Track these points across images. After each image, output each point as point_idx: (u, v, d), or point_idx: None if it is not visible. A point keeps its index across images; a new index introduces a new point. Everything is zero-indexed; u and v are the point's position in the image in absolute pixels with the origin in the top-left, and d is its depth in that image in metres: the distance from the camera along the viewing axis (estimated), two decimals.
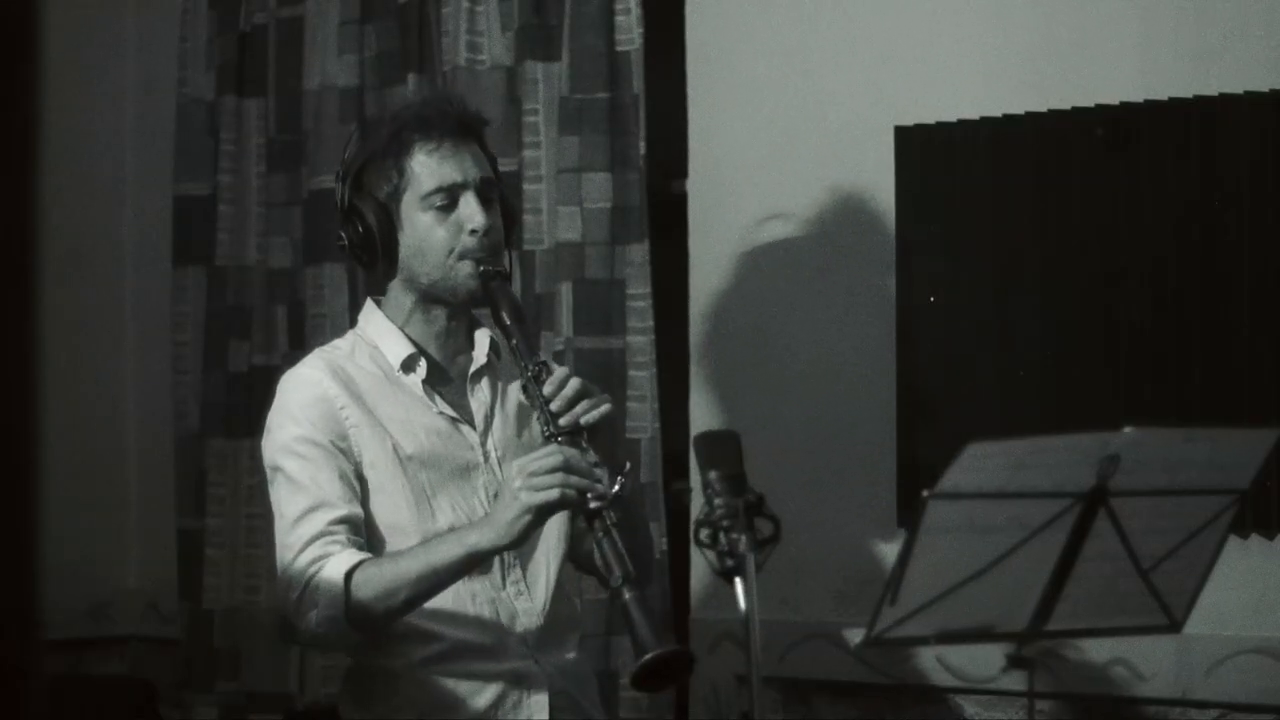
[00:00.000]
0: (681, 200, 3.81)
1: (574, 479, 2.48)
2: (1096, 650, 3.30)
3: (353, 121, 4.08)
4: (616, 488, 2.50)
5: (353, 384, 2.71)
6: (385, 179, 2.70)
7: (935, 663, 3.45)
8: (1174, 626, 2.41)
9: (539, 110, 3.78)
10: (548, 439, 2.55)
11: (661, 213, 3.81)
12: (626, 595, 2.42)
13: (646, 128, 3.73)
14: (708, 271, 3.75)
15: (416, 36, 3.99)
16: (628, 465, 2.63)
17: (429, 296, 2.73)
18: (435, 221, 2.68)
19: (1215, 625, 3.14)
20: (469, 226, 2.67)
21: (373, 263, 2.73)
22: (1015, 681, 3.12)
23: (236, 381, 4.27)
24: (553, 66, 3.79)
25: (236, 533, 4.26)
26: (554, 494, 2.48)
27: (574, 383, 2.57)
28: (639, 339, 3.73)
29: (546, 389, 2.56)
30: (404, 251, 2.71)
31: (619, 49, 3.75)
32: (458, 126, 2.71)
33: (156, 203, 4.47)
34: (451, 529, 2.66)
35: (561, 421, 2.55)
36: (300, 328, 4.17)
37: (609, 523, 2.47)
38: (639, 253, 3.74)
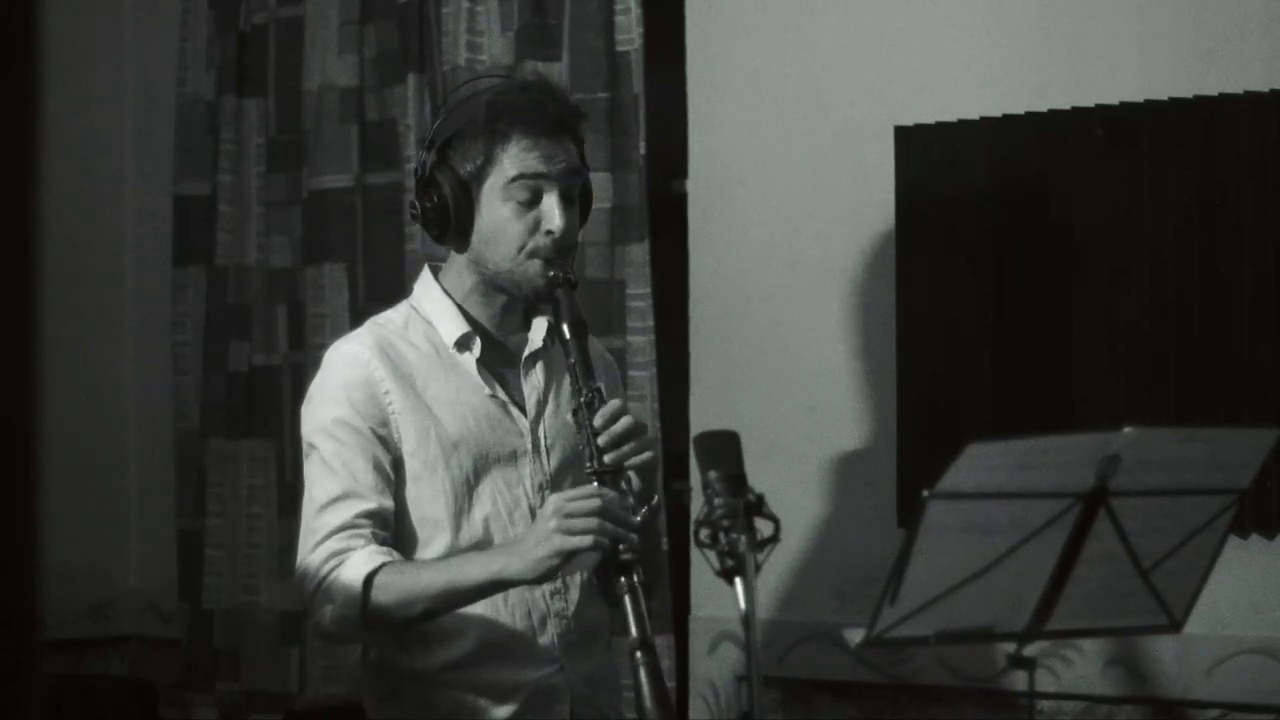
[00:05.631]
0: (681, 200, 3.81)
1: (609, 526, 2.46)
2: (1096, 650, 3.30)
3: (353, 121, 4.09)
4: (639, 518, 2.50)
5: (402, 363, 2.66)
6: (470, 158, 2.63)
7: (935, 663, 3.45)
8: (1174, 626, 2.41)
9: None
10: (590, 474, 2.53)
11: (661, 213, 3.81)
12: (640, 659, 2.42)
13: (646, 128, 3.73)
14: (708, 271, 3.75)
15: (416, 36, 3.99)
16: (656, 498, 2.61)
17: (492, 283, 2.68)
18: (514, 215, 2.61)
19: (1215, 625, 3.14)
20: (546, 226, 2.61)
21: (442, 237, 2.68)
22: (1015, 681, 3.12)
23: (236, 381, 4.27)
24: (553, 66, 3.79)
25: (236, 533, 4.26)
26: (587, 540, 2.46)
27: (624, 420, 2.54)
28: (639, 339, 3.73)
29: (596, 421, 2.53)
30: (476, 236, 2.65)
31: (619, 49, 3.75)
32: (555, 123, 2.64)
33: (156, 203, 4.47)
34: (485, 521, 2.64)
35: (606, 459, 2.52)
36: (300, 328, 4.17)
37: (636, 580, 2.46)
38: (639, 253, 3.73)
